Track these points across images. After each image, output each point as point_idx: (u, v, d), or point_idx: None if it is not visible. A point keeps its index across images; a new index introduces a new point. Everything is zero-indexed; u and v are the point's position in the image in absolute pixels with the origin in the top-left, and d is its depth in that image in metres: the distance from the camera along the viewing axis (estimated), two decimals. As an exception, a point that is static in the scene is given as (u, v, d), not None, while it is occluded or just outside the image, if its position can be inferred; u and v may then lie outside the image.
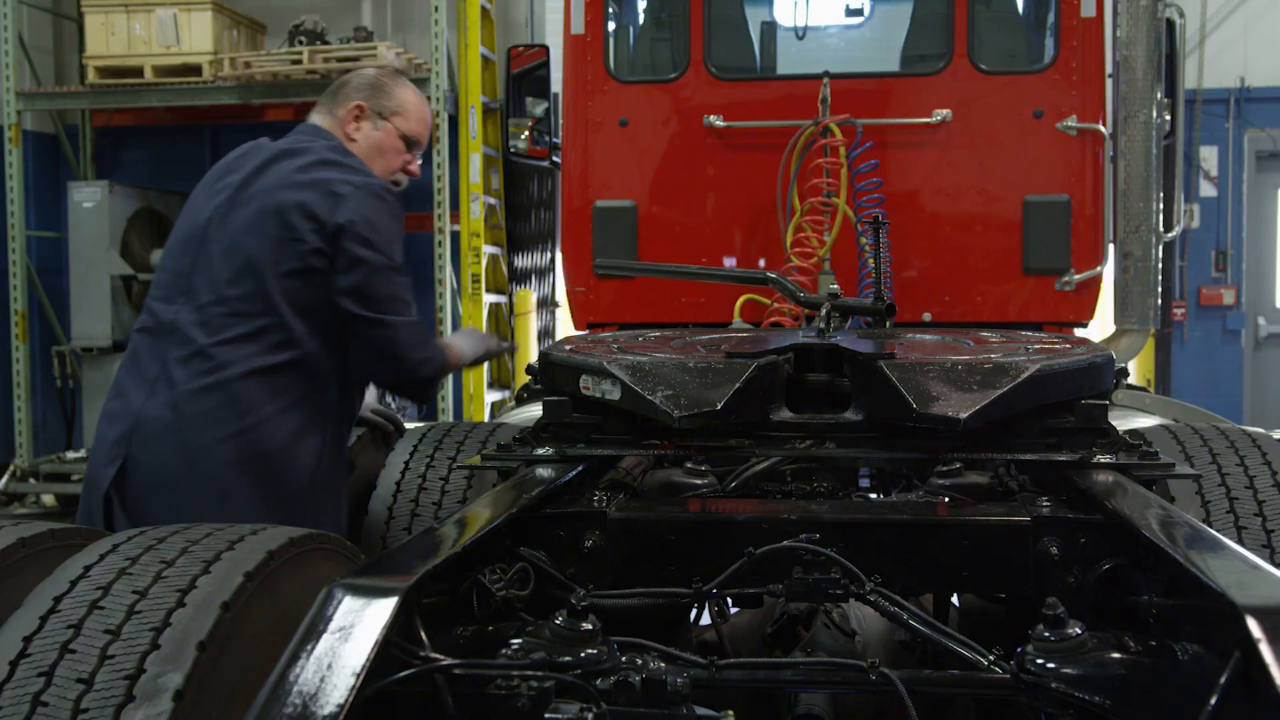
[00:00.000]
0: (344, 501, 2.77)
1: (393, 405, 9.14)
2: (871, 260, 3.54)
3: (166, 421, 2.51)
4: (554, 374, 2.48)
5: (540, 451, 2.35)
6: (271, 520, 2.33)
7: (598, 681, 1.48)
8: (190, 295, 2.59)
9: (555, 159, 5.49)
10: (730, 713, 1.48)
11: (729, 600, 2.65)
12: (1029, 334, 3.30)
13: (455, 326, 9.01)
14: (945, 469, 2.34)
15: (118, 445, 2.54)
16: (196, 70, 8.84)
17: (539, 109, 5.63)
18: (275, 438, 2.53)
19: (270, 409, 2.53)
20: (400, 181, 2.91)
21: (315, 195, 2.57)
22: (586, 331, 4.69)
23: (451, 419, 8.77)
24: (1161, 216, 4.63)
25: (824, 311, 2.74)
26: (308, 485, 2.58)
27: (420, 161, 2.97)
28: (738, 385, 2.20)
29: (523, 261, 9.68)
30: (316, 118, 2.84)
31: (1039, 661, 1.52)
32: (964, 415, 2.04)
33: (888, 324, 3.28)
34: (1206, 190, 9.57)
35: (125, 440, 2.53)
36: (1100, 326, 4.88)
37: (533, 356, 8.99)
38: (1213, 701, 1.34)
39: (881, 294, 3.30)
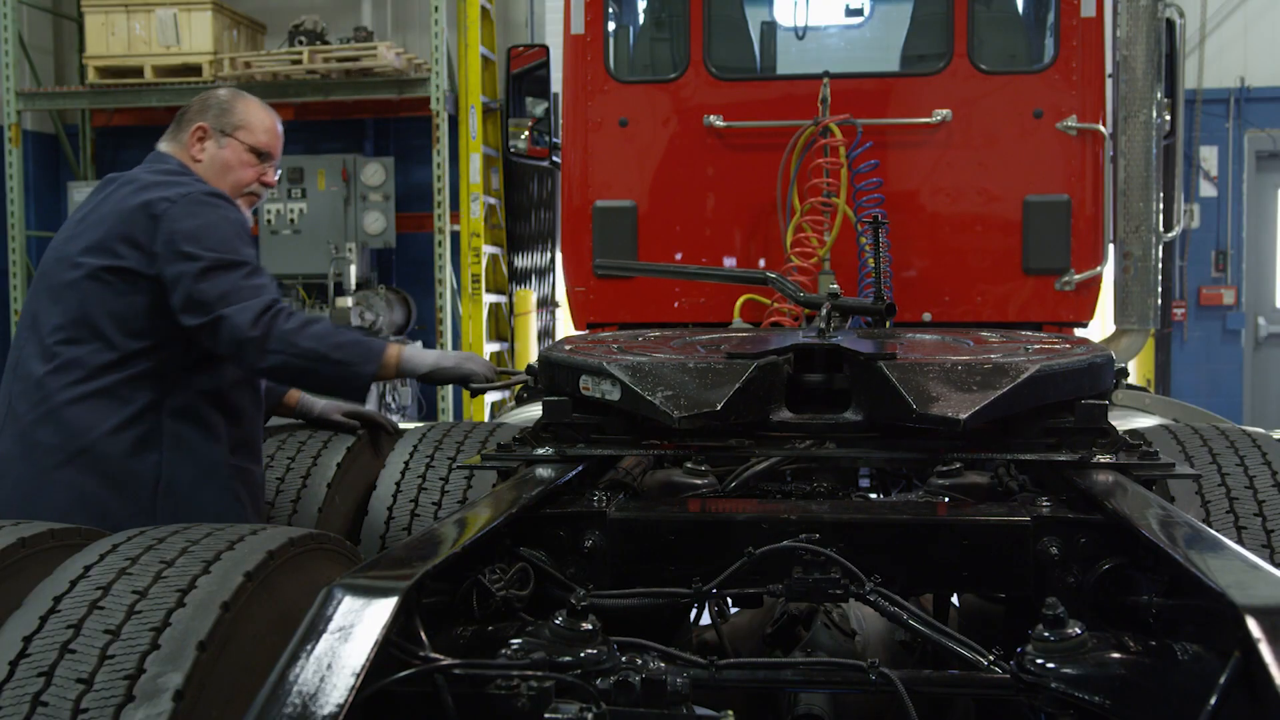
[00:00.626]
0: (238, 505, 2.72)
1: (392, 404, 9.16)
2: (871, 260, 3.54)
3: (13, 457, 2.57)
4: (554, 374, 2.48)
5: (540, 451, 2.35)
6: None
7: (598, 681, 1.48)
8: (34, 329, 2.65)
9: (555, 159, 5.49)
10: (730, 713, 1.48)
11: (729, 600, 2.65)
12: (1029, 334, 3.30)
13: (455, 326, 9.02)
14: (945, 469, 2.34)
15: None
16: (196, 70, 8.84)
17: (539, 109, 5.63)
18: (109, 457, 2.53)
19: (100, 430, 2.53)
20: (258, 193, 2.93)
21: (136, 220, 2.59)
22: (586, 331, 4.69)
23: (451, 419, 8.77)
24: (1161, 216, 4.63)
25: (824, 311, 2.74)
26: (153, 500, 2.56)
27: (276, 172, 2.96)
28: (738, 385, 2.20)
29: (523, 261, 9.68)
30: (163, 144, 2.89)
31: (1039, 661, 1.52)
32: (964, 416, 2.04)
33: (888, 324, 3.28)
34: (1206, 190, 9.57)
35: None
36: (1100, 326, 4.88)
37: (533, 356, 8.98)
38: (1213, 701, 1.34)
39: (881, 294, 3.30)
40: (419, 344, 2.77)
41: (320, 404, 3.18)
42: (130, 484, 2.55)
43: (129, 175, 2.76)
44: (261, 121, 2.90)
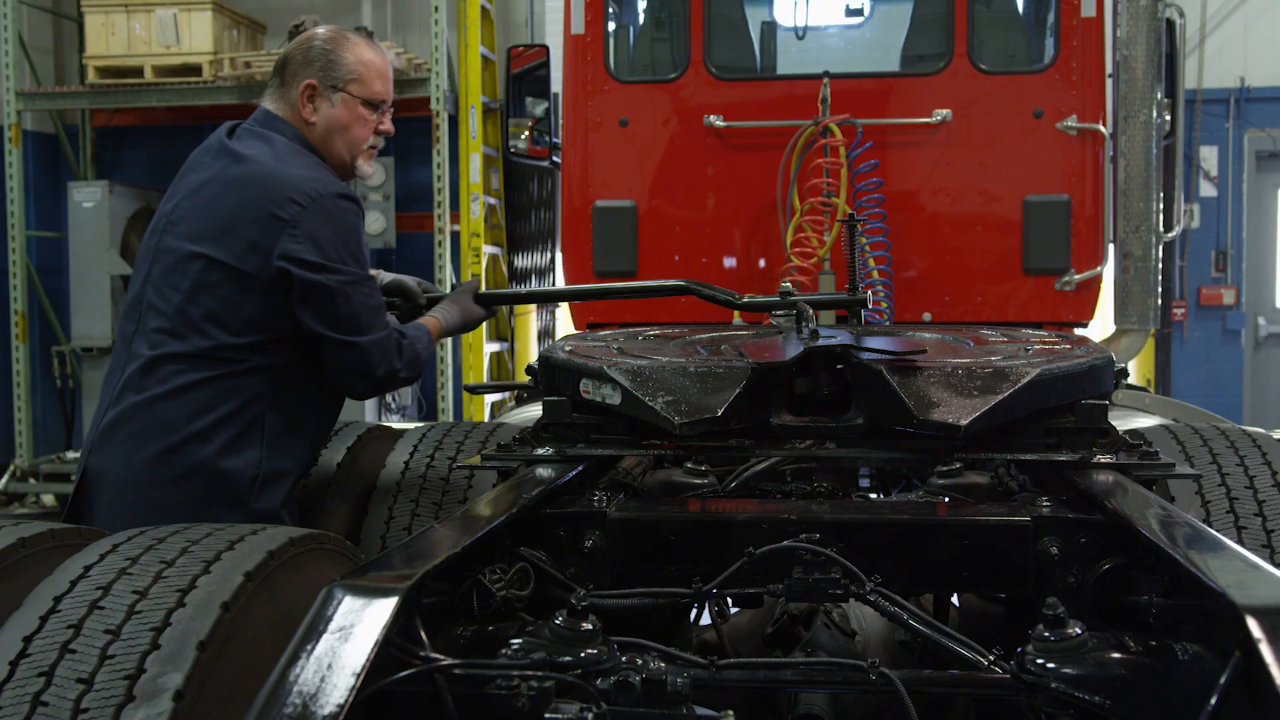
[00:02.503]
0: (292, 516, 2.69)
1: (392, 405, 9.14)
2: (872, 260, 3.56)
3: (117, 435, 2.49)
4: (554, 376, 2.48)
5: (540, 451, 2.35)
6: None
7: (598, 681, 1.48)
8: (140, 307, 2.55)
9: (555, 159, 5.49)
10: (730, 713, 1.48)
11: (729, 600, 2.65)
12: (1029, 332, 3.29)
13: (455, 326, 9.00)
14: (945, 469, 2.34)
15: (84, 455, 2.57)
16: (196, 70, 8.84)
17: (539, 109, 5.64)
18: (201, 454, 2.46)
19: (197, 426, 2.46)
20: (378, 145, 2.79)
21: (259, 219, 2.45)
22: (586, 331, 4.69)
23: (451, 419, 8.77)
24: (1161, 216, 4.64)
25: (806, 311, 2.68)
26: (241, 502, 2.49)
27: (391, 115, 2.81)
28: (738, 391, 2.20)
29: (523, 261, 9.68)
30: (269, 103, 2.66)
31: (1039, 661, 1.52)
32: (964, 422, 2.05)
33: (881, 320, 3.26)
34: (1206, 190, 9.57)
35: (88, 450, 2.55)
36: (1100, 326, 4.88)
37: (533, 356, 8.98)
38: (1213, 701, 1.34)
39: (856, 287, 3.19)
40: (436, 313, 2.69)
41: (387, 276, 3.06)
42: (228, 481, 2.47)
43: (250, 158, 2.54)
44: (373, 67, 2.69)
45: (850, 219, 3.38)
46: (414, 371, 2.66)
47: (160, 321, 2.49)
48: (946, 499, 2.24)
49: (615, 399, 2.27)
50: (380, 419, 8.77)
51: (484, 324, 8.90)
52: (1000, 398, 2.12)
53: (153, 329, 2.50)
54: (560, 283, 7.01)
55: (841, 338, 2.43)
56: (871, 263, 4.29)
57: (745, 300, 2.97)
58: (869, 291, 4.23)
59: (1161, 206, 4.63)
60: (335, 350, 2.52)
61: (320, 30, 2.70)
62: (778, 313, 3.08)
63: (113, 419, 2.50)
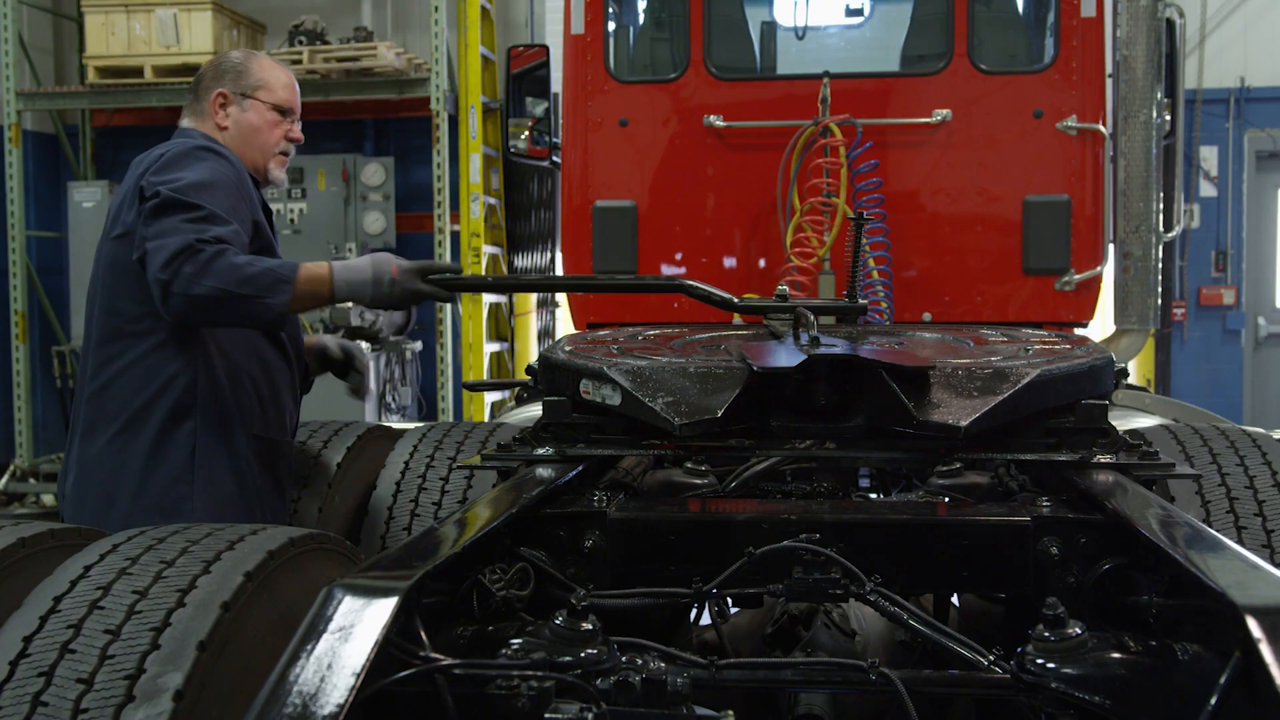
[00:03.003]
0: (266, 478, 2.73)
1: (392, 404, 9.15)
2: (871, 260, 3.55)
3: (75, 436, 2.65)
4: (554, 377, 2.48)
5: (540, 451, 2.35)
6: (146, 514, 2.45)
7: (598, 681, 1.48)
8: (89, 313, 2.69)
9: (555, 159, 5.49)
10: (730, 713, 1.48)
11: (729, 600, 2.65)
12: (1029, 332, 3.29)
13: (455, 326, 9.02)
14: (945, 469, 2.34)
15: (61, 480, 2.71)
16: (196, 70, 8.83)
17: (539, 109, 5.64)
18: (143, 433, 2.56)
19: (132, 407, 2.56)
20: (288, 151, 2.88)
21: (131, 190, 2.56)
22: (586, 331, 4.69)
23: (451, 419, 8.77)
24: (1161, 216, 4.64)
25: (808, 317, 2.67)
26: (190, 471, 2.58)
27: (300, 125, 2.91)
28: (738, 392, 2.20)
29: (523, 261, 9.68)
30: (184, 120, 2.82)
31: (1039, 661, 1.52)
32: (964, 423, 2.05)
33: (882, 320, 3.26)
34: (1206, 190, 9.57)
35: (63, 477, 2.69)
36: (1100, 326, 4.88)
37: (533, 356, 8.98)
38: (1213, 701, 1.34)
39: (855, 292, 3.18)
40: (356, 258, 2.55)
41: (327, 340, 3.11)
42: (168, 453, 2.56)
43: (149, 152, 2.70)
44: (279, 78, 2.85)
45: (858, 218, 3.37)
46: (183, 287, 2.35)
47: (90, 323, 2.65)
48: (946, 499, 2.24)
49: (615, 399, 2.27)
50: (380, 419, 8.77)
51: (484, 324, 8.97)
52: (1000, 398, 2.12)
53: (89, 333, 2.66)
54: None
55: (842, 344, 2.43)
56: (871, 263, 4.29)
57: (741, 302, 2.92)
58: (869, 292, 4.24)
59: (1161, 206, 4.63)
60: (142, 269, 2.44)
61: (233, 53, 2.90)
62: (773, 315, 3.06)
63: (73, 424, 2.66)
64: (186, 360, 2.58)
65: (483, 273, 8.79)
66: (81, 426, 2.62)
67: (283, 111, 2.83)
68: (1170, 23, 4.74)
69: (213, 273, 2.36)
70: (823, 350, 2.32)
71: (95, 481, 2.57)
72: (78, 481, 2.61)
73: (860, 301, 3.05)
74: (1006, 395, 2.13)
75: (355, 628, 1.38)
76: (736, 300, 2.89)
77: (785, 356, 2.32)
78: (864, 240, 4.14)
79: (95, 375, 2.60)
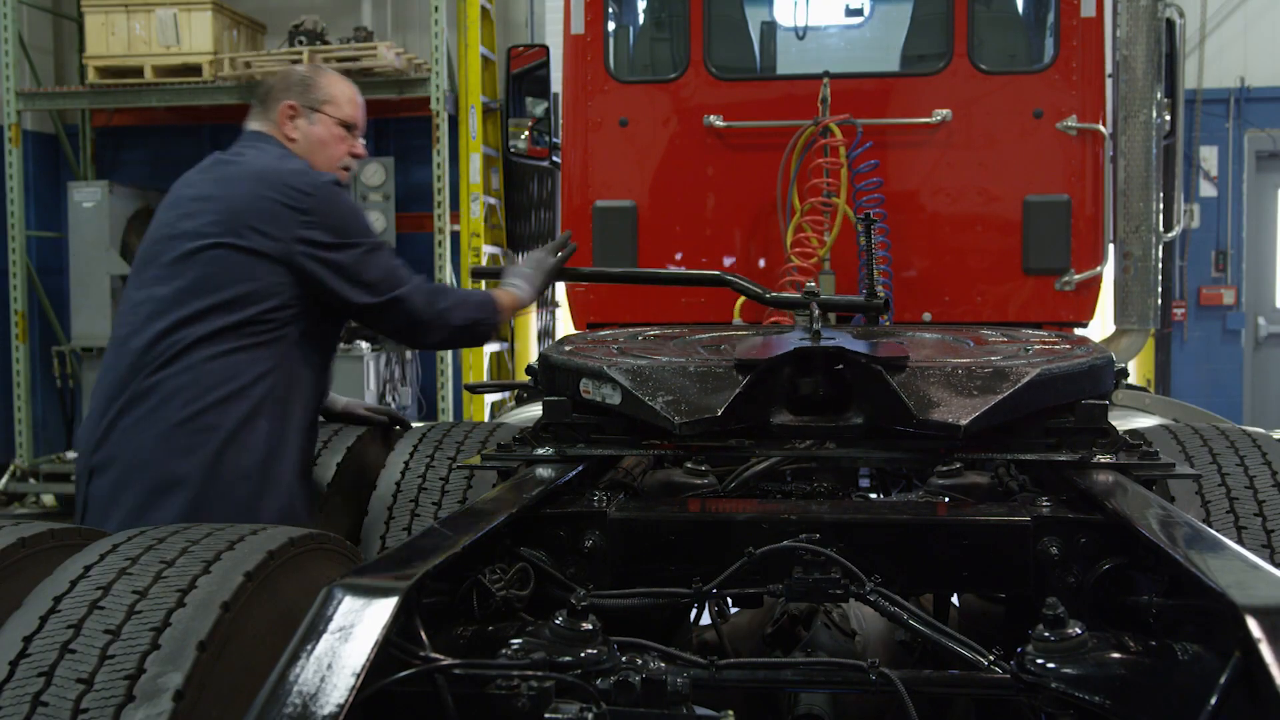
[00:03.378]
0: (308, 489, 2.81)
1: (393, 404, 9.15)
2: (867, 256, 3.52)
3: (127, 419, 2.60)
4: (554, 376, 2.48)
5: (540, 451, 2.35)
6: (221, 502, 2.49)
7: (598, 681, 1.48)
8: (140, 310, 2.66)
9: (555, 159, 5.49)
10: (730, 713, 1.48)
11: (729, 600, 2.65)
12: (1029, 332, 3.29)
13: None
14: (945, 469, 2.34)
15: (83, 459, 2.67)
16: (196, 70, 8.84)
17: (539, 109, 5.63)
18: (219, 424, 2.58)
19: (213, 398, 2.57)
20: (351, 166, 2.99)
21: (270, 208, 2.64)
22: (586, 331, 4.69)
23: (451, 419, 8.77)
24: (1161, 216, 4.63)
25: (815, 313, 2.71)
26: (255, 471, 2.61)
27: (363, 142, 3.03)
28: (739, 390, 2.20)
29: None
30: (254, 124, 2.91)
31: (1039, 661, 1.52)
32: (964, 422, 2.05)
33: (885, 320, 3.26)
34: (1206, 190, 9.57)
35: (91, 448, 2.64)
36: (1100, 326, 4.88)
37: (533, 356, 8.98)
38: (1213, 701, 1.34)
39: (875, 290, 3.25)
40: (514, 275, 3.06)
41: (341, 401, 3.23)
42: (245, 450, 2.59)
43: (244, 159, 2.79)
44: (344, 93, 2.95)
45: (867, 219, 3.39)
46: (468, 314, 2.88)
47: (168, 312, 2.61)
48: (946, 499, 2.24)
49: (615, 398, 2.27)
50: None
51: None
52: (1000, 397, 2.12)
53: (158, 319, 2.61)
54: (560, 283, 6.99)
55: (840, 339, 2.43)
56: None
57: (771, 296, 3.13)
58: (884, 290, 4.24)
59: (1161, 206, 4.62)
60: (383, 312, 2.76)
61: (300, 67, 3.02)
62: (801, 312, 3.12)
63: (122, 405, 2.60)
64: (275, 363, 2.65)
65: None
66: (136, 403, 2.59)
67: (348, 126, 2.94)
68: (1170, 23, 4.74)
69: (456, 305, 2.89)
70: (809, 344, 2.33)
71: (154, 460, 2.54)
72: (123, 456, 2.57)
73: (878, 300, 3.12)
74: (1006, 394, 2.13)
75: (355, 628, 1.38)
76: (767, 295, 3.09)
77: (777, 350, 2.33)
78: (862, 240, 4.15)
79: (170, 358, 2.58)
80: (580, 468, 2.27)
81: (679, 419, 2.13)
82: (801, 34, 6.00)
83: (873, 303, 3.14)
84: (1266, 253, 9.85)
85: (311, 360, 2.77)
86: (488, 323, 2.95)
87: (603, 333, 3.40)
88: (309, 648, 1.34)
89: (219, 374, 2.58)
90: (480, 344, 3.08)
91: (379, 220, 9.28)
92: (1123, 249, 4.63)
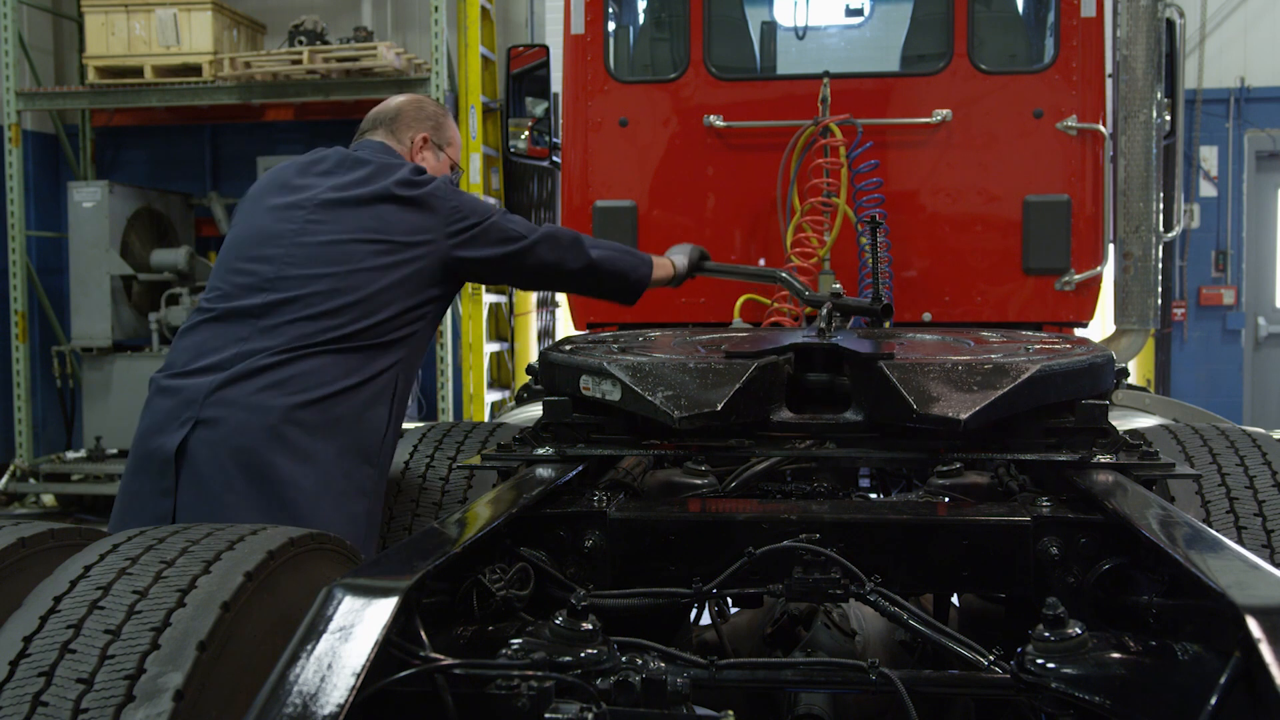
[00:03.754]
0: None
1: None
2: (871, 259, 3.54)
3: (247, 388, 2.58)
4: (554, 374, 2.48)
5: (540, 451, 2.35)
6: (344, 480, 2.55)
7: (598, 681, 1.48)
8: (277, 285, 2.70)
9: (555, 159, 5.49)
10: (730, 713, 1.48)
11: (729, 600, 2.65)
12: (1029, 334, 3.29)
13: (455, 326, 9.02)
14: (945, 469, 2.34)
15: (187, 408, 2.58)
16: (196, 70, 8.84)
17: (539, 109, 5.63)
18: (346, 407, 2.64)
19: (345, 383, 2.64)
20: None
21: (421, 212, 2.81)
22: (586, 331, 4.69)
23: (451, 419, 8.77)
24: (1161, 216, 4.63)
25: (825, 311, 2.74)
26: (373, 457, 2.68)
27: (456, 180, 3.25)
28: (738, 386, 2.20)
29: (522, 261, 9.66)
30: (379, 136, 3.08)
31: (1039, 661, 1.52)
32: (964, 416, 2.04)
33: (886, 324, 3.27)
34: (1206, 190, 9.57)
35: (197, 404, 2.58)
36: (1100, 326, 4.88)
37: (533, 356, 8.98)
38: (1213, 701, 1.34)
39: (879, 294, 3.30)
40: (677, 250, 3.49)
41: None
42: (368, 435, 2.66)
43: (372, 156, 2.91)
44: (459, 141, 3.26)
45: (873, 221, 3.41)
46: (603, 251, 3.08)
47: (316, 298, 2.67)
48: (946, 499, 2.24)
49: (615, 395, 2.27)
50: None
51: (484, 324, 8.98)
52: (1000, 392, 2.12)
53: (302, 302, 2.67)
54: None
55: (839, 337, 2.43)
56: (871, 262, 4.29)
57: (809, 295, 3.31)
58: (868, 292, 4.24)
59: (1161, 206, 4.62)
60: (530, 255, 2.92)
61: (429, 103, 3.23)
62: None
63: (241, 372, 2.59)
64: (396, 358, 2.74)
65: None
66: (262, 381, 2.60)
67: (454, 169, 3.21)
68: (1170, 23, 4.74)
69: (609, 245, 3.17)
70: (802, 339, 2.33)
71: (269, 435, 2.55)
72: (240, 430, 2.56)
73: (886, 302, 3.17)
74: (1007, 390, 2.13)
75: (355, 628, 1.38)
76: (806, 293, 3.30)
77: (775, 346, 2.34)
78: (862, 240, 4.15)
79: (307, 346, 2.63)
80: (580, 468, 2.27)
81: (678, 413, 2.13)
82: (801, 34, 6.00)
83: (875, 305, 3.18)
84: (1266, 253, 9.85)
85: (422, 353, 2.91)
86: (626, 264, 3.13)
87: (603, 334, 3.41)
88: (309, 648, 1.34)
89: (351, 364, 2.66)
90: (627, 297, 3.20)
91: (379, 220, 9.28)
92: (1123, 249, 4.63)
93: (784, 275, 3.45)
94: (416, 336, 2.82)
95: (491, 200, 2.89)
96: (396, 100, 3.19)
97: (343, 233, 2.75)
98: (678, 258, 3.37)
